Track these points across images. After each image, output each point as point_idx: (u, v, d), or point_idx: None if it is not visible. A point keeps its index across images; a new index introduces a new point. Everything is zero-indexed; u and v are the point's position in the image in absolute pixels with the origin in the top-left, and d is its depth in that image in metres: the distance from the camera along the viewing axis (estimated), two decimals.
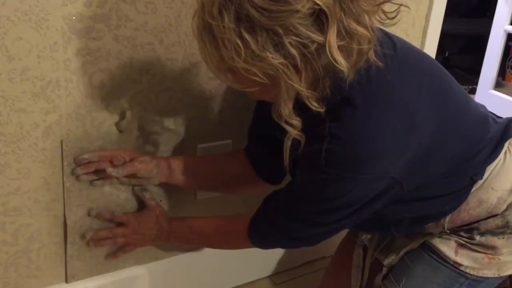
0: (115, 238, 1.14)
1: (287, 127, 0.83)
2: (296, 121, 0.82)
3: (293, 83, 0.76)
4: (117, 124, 1.10)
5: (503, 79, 3.14)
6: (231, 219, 1.11)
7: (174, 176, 1.14)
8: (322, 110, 0.81)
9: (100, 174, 1.10)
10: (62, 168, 1.07)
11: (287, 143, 0.86)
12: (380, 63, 0.82)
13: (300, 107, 0.82)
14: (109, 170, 1.07)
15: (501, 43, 2.70)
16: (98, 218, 1.13)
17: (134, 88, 1.09)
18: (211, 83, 1.18)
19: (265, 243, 1.04)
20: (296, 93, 0.79)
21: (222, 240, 1.14)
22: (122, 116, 1.09)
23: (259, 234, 1.02)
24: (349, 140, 0.83)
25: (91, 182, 1.12)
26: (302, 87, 0.77)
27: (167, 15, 1.06)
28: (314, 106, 0.81)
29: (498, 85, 2.88)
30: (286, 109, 0.80)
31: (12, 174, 1.03)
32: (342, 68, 0.76)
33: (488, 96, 2.76)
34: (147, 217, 1.15)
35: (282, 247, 1.06)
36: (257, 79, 0.77)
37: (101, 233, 1.13)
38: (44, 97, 1.00)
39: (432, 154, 0.89)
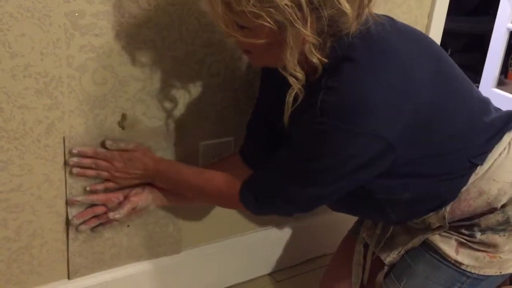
0: (99, 171, 1.09)
1: (291, 80, 0.87)
2: (300, 74, 0.86)
3: (299, 27, 0.79)
4: (119, 122, 1.10)
5: (506, 77, 3.13)
6: (226, 177, 1.06)
7: (168, 196, 1.14)
8: (325, 60, 0.86)
9: (100, 218, 1.11)
10: (65, 164, 1.07)
11: (289, 99, 0.90)
12: (380, 21, 0.88)
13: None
14: (111, 214, 1.09)
15: (504, 41, 2.70)
16: (81, 154, 1.07)
17: (137, 85, 1.09)
18: (213, 80, 1.18)
19: (258, 207, 1.01)
20: (302, 42, 0.82)
21: (212, 196, 1.10)
22: (123, 118, 1.09)
23: (253, 197, 1.00)
24: (345, 89, 0.84)
25: (92, 229, 1.13)
26: (308, 32, 0.80)
27: (170, 12, 1.06)
28: (317, 56, 0.84)
29: (500, 83, 2.87)
30: (292, 60, 0.84)
31: (14, 171, 1.03)
32: (347, 12, 0.80)
33: (490, 94, 2.75)
34: (132, 157, 1.10)
35: (276, 212, 1.03)
36: (265, 23, 0.79)
37: (85, 160, 1.07)
38: (47, 94, 1.00)
39: (430, 125, 0.90)
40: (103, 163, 1.09)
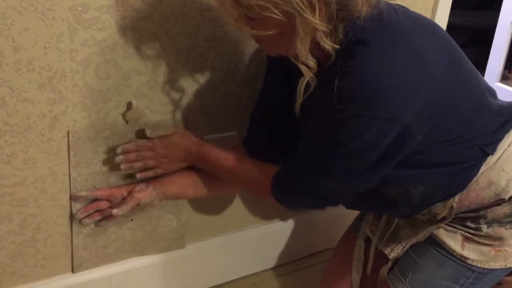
0: (145, 161, 1.11)
1: (303, 69, 0.86)
2: (312, 62, 0.86)
3: (307, 17, 0.79)
4: (123, 115, 1.10)
5: (509, 72, 3.12)
6: (260, 170, 1.06)
7: (171, 191, 1.15)
8: (337, 47, 0.85)
9: (103, 213, 1.12)
10: (69, 158, 1.07)
11: (301, 88, 0.89)
12: (392, 5, 0.87)
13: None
14: (115, 211, 1.09)
15: (508, 35, 2.68)
16: (125, 153, 1.09)
17: (140, 79, 1.09)
18: (216, 74, 1.18)
19: (287, 201, 1.02)
20: (312, 30, 0.82)
21: (247, 187, 1.13)
22: (128, 106, 1.10)
23: (282, 192, 1.00)
24: (360, 74, 0.83)
25: (96, 223, 1.14)
26: (316, 21, 0.80)
27: (173, 5, 1.06)
28: (329, 44, 0.84)
29: (504, 78, 2.86)
30: (303, 49, 0.84)
31: (18, 164, 1.03)
32: None
33: (494, 89, 2.74)
34: (172, 141, 1.12)
35: (303, 205, 1.04)
36: (273, 15, 0.79)
37: (131, 155, 1.10)
38: (51, 88, 1.00)
39: (443, 110, 0.89)
40: (147, 153, 1.11)
